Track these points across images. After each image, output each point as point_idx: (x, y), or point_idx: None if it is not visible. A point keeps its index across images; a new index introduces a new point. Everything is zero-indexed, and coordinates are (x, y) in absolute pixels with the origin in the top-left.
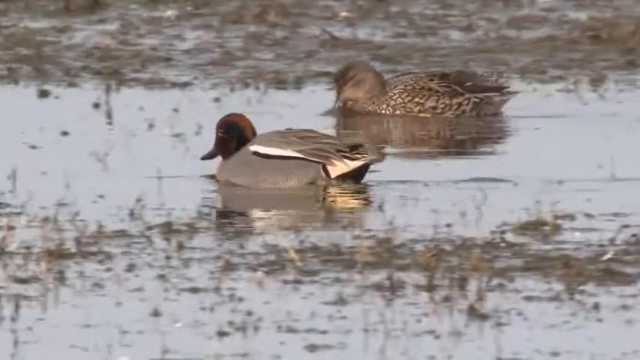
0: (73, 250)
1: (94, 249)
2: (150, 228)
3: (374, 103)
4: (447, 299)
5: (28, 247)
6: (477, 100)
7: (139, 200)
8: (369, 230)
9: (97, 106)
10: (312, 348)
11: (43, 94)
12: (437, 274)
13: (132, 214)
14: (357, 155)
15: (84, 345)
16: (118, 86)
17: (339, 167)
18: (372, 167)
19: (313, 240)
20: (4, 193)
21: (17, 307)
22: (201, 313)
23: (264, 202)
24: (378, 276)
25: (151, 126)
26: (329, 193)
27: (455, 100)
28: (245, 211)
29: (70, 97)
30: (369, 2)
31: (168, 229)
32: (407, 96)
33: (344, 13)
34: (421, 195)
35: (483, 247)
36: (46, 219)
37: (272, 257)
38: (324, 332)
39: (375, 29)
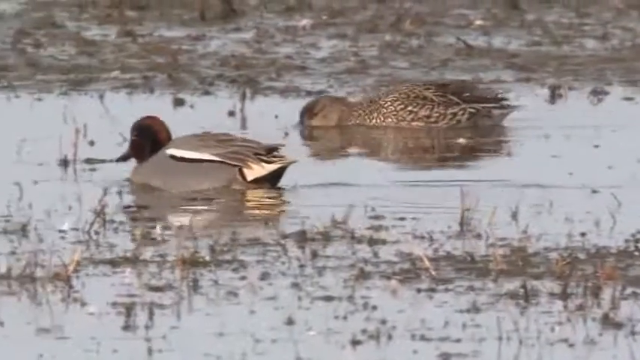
0: (208, 258)
1: (228, 257)
2: (284, 236)
3: (360, 115)
4: (580, 308)
5: (162, 256)
6: (473, 110)
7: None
8: (503, 239)
9: (231, 114)
10: (446, 356)
11: (179, 102)
12: (571, 282)
13: (266, 222)
14: (273, 158)
15: (217, 353)
16: (253, 94)
17: (256, 170)
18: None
19: (447, 248)
20: (142, 203)
21: (151, 315)
22: (334, 322)
23: (400, 210)
24: (512, 284)
25: (286, 134)
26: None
27: (450, 110)
28: (377, 219)
29: (204, 106)
30: (504, 11)
31: (302, 238)
32: (399, 104)
33: (479, 22)
34: (555, 202)
35: (617, 256)
36: (180, 227)
37: (406, 265)
38: (457, 341)
39: (509, 37)
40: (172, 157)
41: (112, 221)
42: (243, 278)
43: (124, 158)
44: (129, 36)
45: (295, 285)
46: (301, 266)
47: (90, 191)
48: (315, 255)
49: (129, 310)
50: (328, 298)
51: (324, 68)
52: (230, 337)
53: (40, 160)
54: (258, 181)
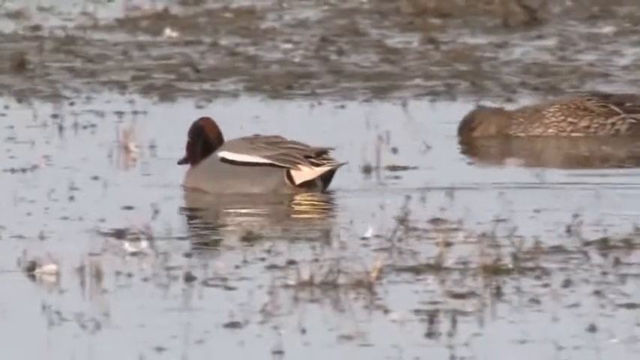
0: (510, 265)
1: (530, 265)
2: (587, 244)
3: (521, 124)
4: None
5: (464, 263)
6: (633, 121)
7: (576, 216)
8: None
9: None
10: None
11: None
12: None
13: (569, 229)
14: (322, 161)
15: None
16: None
17: (305, 173)
18: None
19: None
20: (444, 209)
21: (454, 322)
22: (638, 330)
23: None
24: None
25: None
26: None
27: (609, 120)
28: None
29: None
30: None
31: (604, 245)
32: (561, 115)
33: None
34: None
35: None
36: (483, 235)
37: None
38: None
39: None
40: (223, 159)
41: (415, 228)
42: (545, 286)
43: (183, 161)
44: (431, 43)
45: (597, 292)
46: (603, 273)
47: (392, 198)
48: (617, 262)
49: (431, 317)
50: (631, 306)
51: (627, 75)
52: (532, 344)
53: (344, 166)
54: (307, 185)
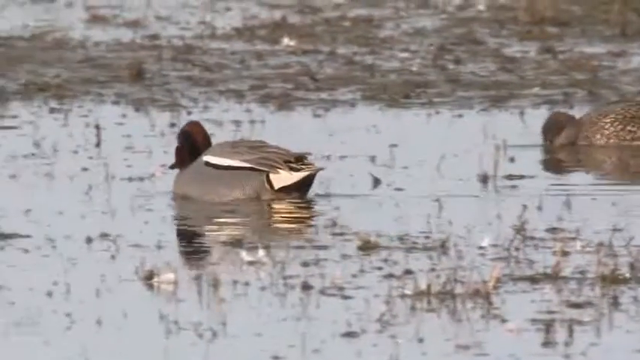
0: (628, 275)
1: None
2: None
3: (586, 136)
4: None
5: (582, 272)
6: None
7: None
8: None
9: None
10: None
11: None
12: None
13: None
14: (302, 166)
15: None
16: None
17: (284, 177)
18: None
19: None
20: (561, 220)
21: (571, 331)
22: None
23: None
24: None
25: None
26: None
27: None
28: None
29: None
30: None
31: None
32: (618, 124)
33: None
34: None
35: None
36: (600, 244)
37: None
38: None
39: None
40: (207, 163)
41: (532, 237)
42: None
43: (173, 166)
44: (549, 52)
45: None
46: None
47: (510, 207)
48: None
49: (548, 326)
50: None
51: None
52: None
53: (460, 175)
54: (286, 190)
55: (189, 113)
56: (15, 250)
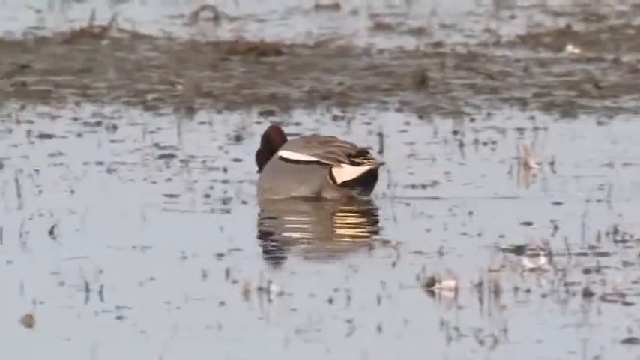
0: None
1: None
2: None
3: None
4: None
5: None
6: None
7: None
8: None
9: None
10: None
11: None
12: None
13: None
14: (363, 160)
15: None
16: None
17: (346, 171)
18: None
19: None
20: None
21: None
22: None
23: None
24: None
25: None
26: None
27: None
28: None
29: None
30: None
31: None
32: None
33: None
34: None
35: None
36: None
37: None
38: None
39: None
40: (281, 158)
41: None
42: None
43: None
44: None
45: None
46: None
47: None
48: None
49: None
50: None
51: None
52: None
53: None
54: (349, 185)
55: (472, 120)
56: (294, 257)
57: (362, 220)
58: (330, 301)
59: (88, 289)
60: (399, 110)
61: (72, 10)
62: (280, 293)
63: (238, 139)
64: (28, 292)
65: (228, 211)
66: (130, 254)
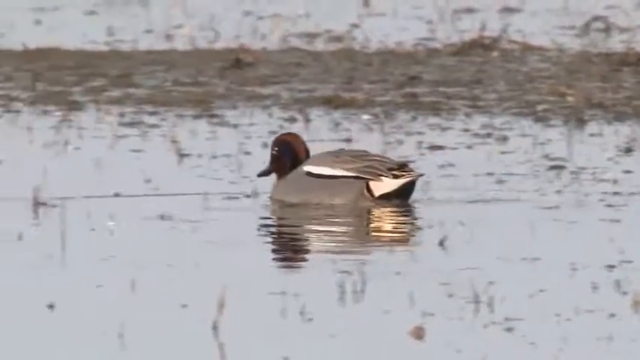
0: None
1: None
2: None
3: None
4: None
5: None
6: None
7: None
8: None
9: None
10: None
11: None
12: None
13: None
14: (402, 172)
15: None
16: None
17: (385, 184)
18: None
19: None
20: None
21: None
22: None
23: None
24: None
25: None
26: None
27: None
28: None
29: None
30: None
31: None
32: None
33: None
34: None
35: None
36: None
37: None
38: None
39: None
40: (309, 173)
41: None
42: None
43: (265, 173)
44: None
45: None
46: None
47: None
48: None
49: None
50: None
51: None
52: None
53: None
54: (387, 197)
55: None
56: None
57: None
58: None
59: (477, 301)
60: None
61: (462, 21)
62: None
63: (629, 150)
64: (417, 303)
65: (617, 221)
66: (519, 266)
